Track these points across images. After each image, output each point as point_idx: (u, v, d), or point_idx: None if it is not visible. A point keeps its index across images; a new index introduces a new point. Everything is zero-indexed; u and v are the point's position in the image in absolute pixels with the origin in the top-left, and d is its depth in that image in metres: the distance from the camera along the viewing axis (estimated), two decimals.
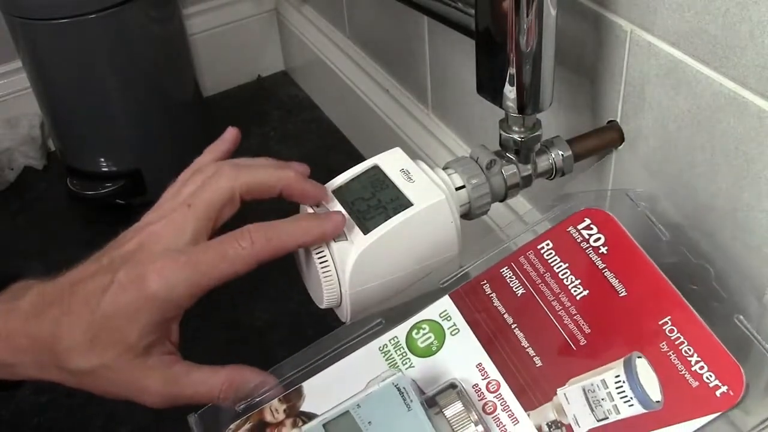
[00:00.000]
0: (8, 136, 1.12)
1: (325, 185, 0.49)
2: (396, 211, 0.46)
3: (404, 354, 0.41)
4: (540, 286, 0.42)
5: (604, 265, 0.41)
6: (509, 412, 0.38)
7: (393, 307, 0.44)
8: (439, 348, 0.41)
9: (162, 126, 1.03)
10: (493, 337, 0.41)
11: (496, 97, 0.52)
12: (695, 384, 0.37)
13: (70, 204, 1.06)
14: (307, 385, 0.41)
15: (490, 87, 0.52)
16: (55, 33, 0.91)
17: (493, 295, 0.42)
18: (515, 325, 0.41)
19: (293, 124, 1.19)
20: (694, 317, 0.39)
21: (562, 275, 0.42)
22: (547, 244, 0.43)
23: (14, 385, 0.46)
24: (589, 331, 0.40)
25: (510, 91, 0.51)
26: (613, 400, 0.37)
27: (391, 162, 0.49)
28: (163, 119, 1.03)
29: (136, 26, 0.95)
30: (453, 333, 0.41)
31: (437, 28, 0.77)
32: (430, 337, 0.41)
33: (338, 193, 0.48)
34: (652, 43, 0.52)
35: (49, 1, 0.89)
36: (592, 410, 0.37)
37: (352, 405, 0.38)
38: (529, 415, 0.38)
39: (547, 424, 0.37)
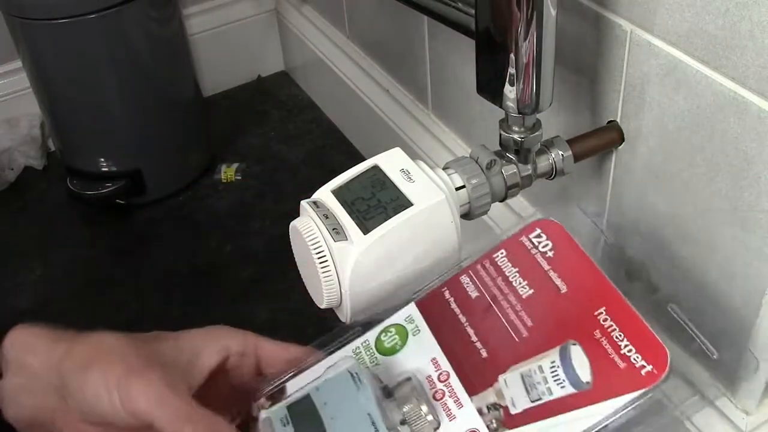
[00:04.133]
0: (8, 136, 1.12)
1: (325, 185, 0.49)
2: (396, 211, 0.46)
3: (372, 354, 0.45)
4: (492, 289, 0.47)
5: (549, 267, 0.46)
6: (455, 398, 0.43)
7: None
8: (402, 347, 0.45)
9: (162, 126, 1.03)
10: (447, 336, 0.45)
11: (496, 97, 0.52)
12: (623, 365, 0.41)
13: (70, 204, 1.06)
14: (290, 385, 0.45)
15: (490, 87, 0.52)
16: (55, 33, 0.91)
17: (451, 299, 0.47)
18: (467, 323, 0.46)
19: (293, 124, 1.19)
20: (627, 307, 0.43)
21: (512, 278, 0.47)
22: (502, 253, 0.48)
23: None
24: (531, 324, 0.44)
25: (510, 91, 0.51)
26: (548, 383, 0.42)
27: (391, 162, 0.49)
28: (163, 119, 1.03)
29: (136, 26, 0.95)
30: (414, 333, 0.46)
31: (437, 28, 0.78)
32: (395, 338, 0.46)
33: (338, 193, 0.48)
34: (652, 43, 0.52)
35: (49, 1, 0.89)
36: (527, 392, 0.42)
37: (312, 388, 0.43)
38: (472, 400, 0.42)
39: (487, 406, 0.42)
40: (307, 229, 0.46)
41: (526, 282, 0.46)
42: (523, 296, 0.46)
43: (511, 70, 0.50)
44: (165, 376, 0.41)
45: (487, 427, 0.41)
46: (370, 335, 0.46)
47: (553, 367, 0.42)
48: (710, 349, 0.45)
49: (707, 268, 0.55)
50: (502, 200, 0.54)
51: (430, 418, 0.41)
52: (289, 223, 0.48)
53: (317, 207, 0.47)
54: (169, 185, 1.07)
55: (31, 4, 0.90)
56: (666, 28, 0.50)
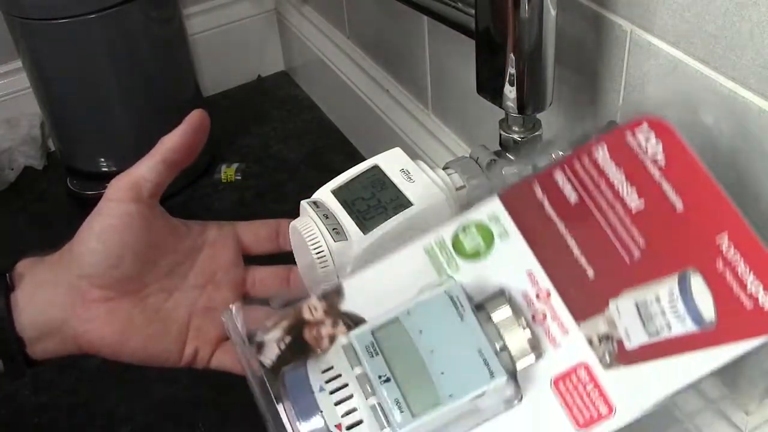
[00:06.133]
0: (8, 136, 1.12)
1: (325, 185, 0.49)
2: (396, 211, 0.46)
3: (450, 256, 0.39)
4: (594, 193, 0.39)
5: (661, 176, 0.39)
6: (559, 322, 0.37)
7: None
8: (487, 252, 0.39)
9: (162, 126, 1.02)
10: (543, 244, 0.39)
11: (496, 97, 0.52)
12: (749, 305, 0.35)
13: (70, 204, 1.06)
14: (347, 285, 0.40)
15: (490, 87, 0.52)
16: (55, 33, 0.91)
17: (545, 199, 0.40)
18: (567, 232, 0.39)
19: (293, 124, 1.19)
20: (752, 236, 0.36)
21: (618, 184, 0.39)
22: (603, 149, 0.40)
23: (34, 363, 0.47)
24: (643, 243, 0.38)
25: (510, 91, 0.51)
26: (666, 316, 0.36)
27: (391, 162, 0.49)
28: (163, 119, 1.03)
29: (136, 26, 0.95)
30: (502, 237, 0.39)
31: (437, 28, 0.77)
32: (477, 240, 0.39)
33: (338, 193, 0.48)
34: (652, 43, 0.52)
35: (49, 1, 0.89)
36: (644, 325, 0.36)
37: (402, 312, 0.37)
38: (579, 326, 0.37)
39: (598, 336, 0.36)
40: (307, 229, 0.46)
41: (635, 191, 0.39)
42: (633, 209, 0.38)
43: (511, 70, 0.50)
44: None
45: (600, 361, 0.36)
46: (445, 232, 0.40)
47: (672, 297, 0.36)
48: None
49: None
50: None
51: (532, 343, 0.36)
52: (289, 224, 0.48)
53: (317, 207, 0.47)
54: (169, 185, 1.06)
55: (31, 4, 0.90)
56: (666, 28, 0.50)
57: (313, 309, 0.39)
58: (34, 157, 1.13)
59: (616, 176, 0.39)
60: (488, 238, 0.40)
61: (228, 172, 1.09)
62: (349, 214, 0.47)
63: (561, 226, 0.39)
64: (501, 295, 0.37)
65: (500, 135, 0.54)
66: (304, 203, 0.48)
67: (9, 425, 0.82)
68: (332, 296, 0.39)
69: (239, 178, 1.09)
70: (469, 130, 0.83)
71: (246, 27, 1.24)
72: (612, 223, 0.39)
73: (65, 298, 0.46)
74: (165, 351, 0.47)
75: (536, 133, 0.53)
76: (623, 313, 0.37)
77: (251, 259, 0.51)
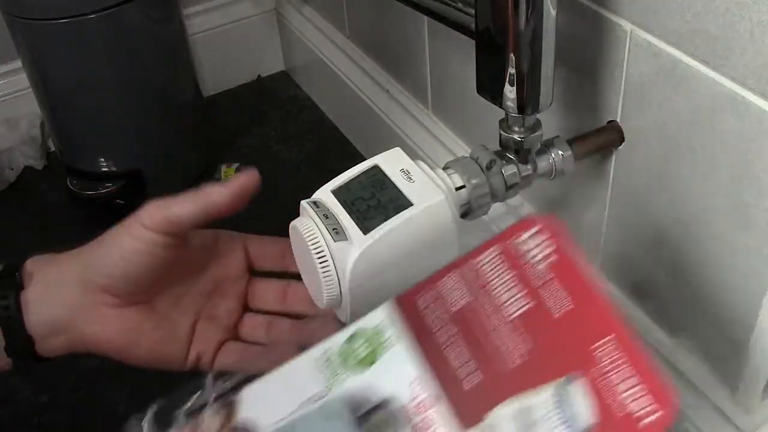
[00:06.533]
0: (8, 136, 1.12)
1: (325, 185, 0.49)
2: (396, 211, 0.46)
3: (339, 365, 0.40)
4: (481, 298, 0.40)
5: (548, 278, 0.39)
6: None
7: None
8: (375, 360, 0.40)
9: (162, 126, 1.03)
10: (432, 351, 0.39)
11: (496, 97, 0.52)
12: (628, 406, 0.35)
13: (70, 204, 1.06)
14: (248, 391, 0.41)
15: (490, 87, 0.52)
16: (55, 33, 0.91)
17: (434, 306, 0.41)
18: (452, 339, 0.40)
19: (293, 124, 1.19)
20: (633, 337, 0.37)
21: (506, 287, 0.40)
22: (493, 253, 0.41)
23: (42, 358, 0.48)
24: (525, 348, 0.38)
25: (510, 91, 0.51)
26: (547, 423, 0.36)
27: (391, 162, 0.49)
28: (163, 119, 1.03)
29: (136, 26, 0.95)
30: (389, 345, 0.40)
31: (437, 28, 0.77)
32: (367, 348, 0.40)
33: (338, 193, 0.48)
34: (652, 43, 0.52)
35: (49, 1, 0.89)
36: None
37: (288, 425, 0.38)
38: None
39: None
40: (307, 229, 0.46)
41: (521, 294, 0.39)
42: (518, 313, 0.39)
43: (511, 70, 0.50)
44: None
45: None
46: (338, 339, 0.41)
47: (550, 405, 0.36)
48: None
49: (707, 268, 0.55)
50: (502, 200, 0.54)
51: None
52: (289, 223, 0.48)
53: (317, 207, 0.47)
54: (169, 185, 1.06)
55: (31, 4, 0.90)
56: (666, 28, 0.50)
57: (208, 424, 0.40)
58: (34, 157, 1.13)
59: (504, 279, 0.40)
60: (377, 345, 0.40)
61: (228, 172, 1.09)
62: (349, 214, 0.47)
63: (450, 332, 0.40)
64: (384, 407, 0.38)
65: (500, 135, 0.54)
66: (304, 203, 0.48)
67: (9, 425, 0.82)
68: (232, 405, 0.40)
69: None
70: (469, 130, 0.83)
71: (246, 27, 1.24)
72: (497, 328, 0.39)
73: (76, 300, 0.47)
74: (171, 356, 0.49)
75: (536, 133, 0.53)
76: (504, 421, 0.37)
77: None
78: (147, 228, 0.46)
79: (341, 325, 0.43)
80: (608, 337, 0.37)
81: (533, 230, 0.40)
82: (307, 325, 0.49)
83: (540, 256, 0.39)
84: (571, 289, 0.38)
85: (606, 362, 0.36)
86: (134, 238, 0.46)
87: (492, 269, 0.40)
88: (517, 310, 0.39)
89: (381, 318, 0.41)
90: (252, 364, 0.45)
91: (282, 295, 0.52)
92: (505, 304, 0.39)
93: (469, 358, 0.39)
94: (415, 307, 0.41)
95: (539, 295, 0.39)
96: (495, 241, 0.41)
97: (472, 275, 0.41)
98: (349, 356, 0.40)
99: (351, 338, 0.41)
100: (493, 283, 0.40)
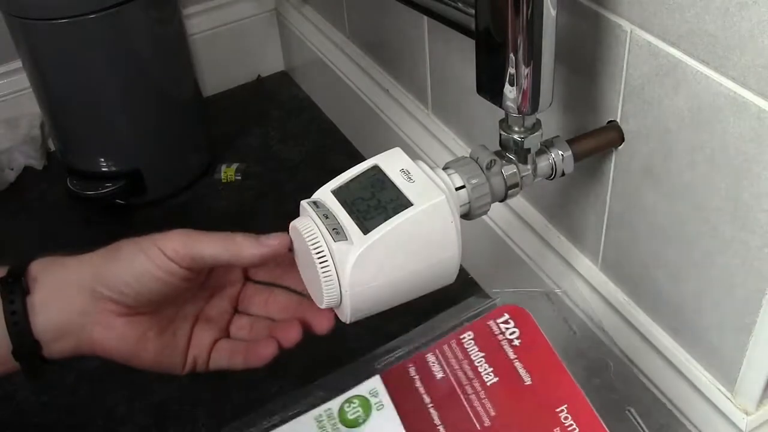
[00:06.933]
0: (8, 136, 1.12)
1: (325, 185, 0.49)
2: (396, 211, 0.46)
3: (335, 425, 0.46)
4: (457, 372, 0.48)
5: (515, 356, 0.48)
6: None
7: (333, 380, 0.49)
8: (364, 421, 0.46)
9: (162, 126, 1.03)
10: (411, 416, 0.46)
11: (496, 97, 0.52)
12: None
13: (70, 204, 1.06)
14: None
15: (490, 87, 0.52)
16: (55, 33, 0.91)
17: (417, 377, 0.48)
18: (431, 404, 0.47)
19: (293, 124, 1.19)
20: (587, 407, 0.45)
21: (478, 363, 0.48)
22: (469, 335, 0.50)
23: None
24: (494, 414, 0.46)
25: (510, 91, 0.51)
26: None
27: (391, 162, 0.49)
28: (163, 119, 1.03)
29: (136, 26, 0.95)
30: (378, 408, 0.47)
31: (437, 28, 0.77)
32: (358, 411, 0.47)
33: (338, 193, 0.48)
34: (652, 43, 0.52)
35: (49, 1, 0.89)
36: None
37: None
38: None
39: None
40: (307, 229, 0.46)
41: (491, 369, 0.48)
42: (488, 383, 0.47)
43: (511, 70, 0.50)
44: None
45: None
46: (334, 404, 0.47)
47: None
48: None
49: (707, 268, 0.55)
50: (502, 200, 0.54)
51: None
52: (289, 223, 0.48)
53: (317, 207, 0.47)
54: (169, 185, 1.07)
55: (31, 4, 0.90)
56: (666, 28, 0.50)
57: None
58: (34, 157, 1.13)
59: (477, 357, 0.48)
60: (367, 408, 0.47)
61: (228, 172, 1.09)
62: (349, 214, 0.47)
63: (427, 399, 0.47)
64: None
65: (500, 135, 0.54)
66: (304, 203, 0.48)
67: (9, 425, 0.82)
68: None
69: (239, 178, 1.09)
70: (469, 130, 0.83)
71: (246, 27, 1.24)
72: (469, 396, 0.47)
73: (84, 305, 0.47)
74: (172, 362, 0.50)
75: (536, 133, 0.53)
76: None
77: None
78: (168, 257, 0.46)
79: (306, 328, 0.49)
80: (564, 406, 0.45)
81: (503, 318, 0.50)
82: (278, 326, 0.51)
83: (512, 337, 0.49)
84: (533, 366, 0.47)
85: (566, 427, 0.44)
86: (152, 263, 0.46)
87: (470, 347, 0.49)
88: (490, 379, 0.47)
89: (373, 385, 0.48)
90: (239, 360, 0.50)
91: (265, 302, 0.53)
92: (478, 377, 0.48)
93: (447, 421, 0.46)
94: (403, 377, 0.48)
95: (507, 370, 0.47)
96: (471, 327, 0.50)
97: (450, 353, 0.49)
98: (345, 416, 0.47)
99: (348, 401, 0.47)
100: (467, 360, 0.48)
